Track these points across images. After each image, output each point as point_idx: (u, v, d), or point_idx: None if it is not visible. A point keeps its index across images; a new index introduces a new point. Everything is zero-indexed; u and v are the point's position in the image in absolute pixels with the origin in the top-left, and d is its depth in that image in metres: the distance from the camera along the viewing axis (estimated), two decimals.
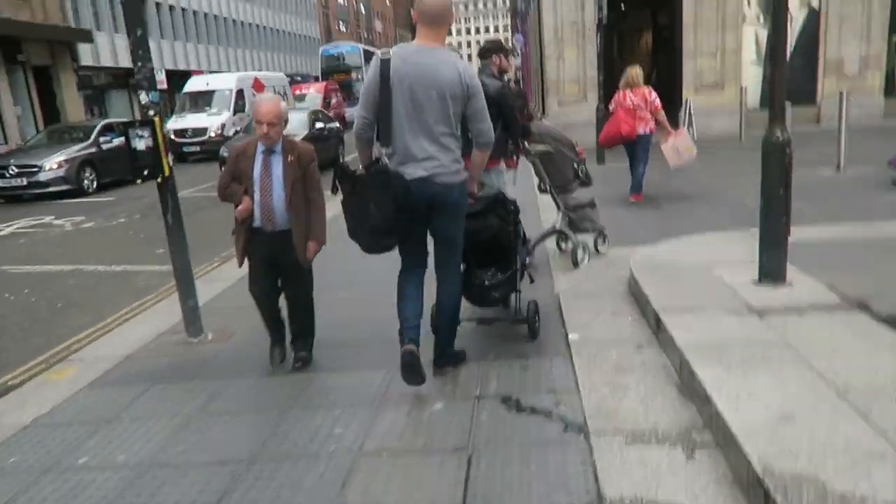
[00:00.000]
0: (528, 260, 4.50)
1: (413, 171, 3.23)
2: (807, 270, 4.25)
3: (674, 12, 15.16)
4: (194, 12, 41.90)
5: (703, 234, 5.70)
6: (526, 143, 5.18)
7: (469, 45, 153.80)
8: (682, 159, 8.15)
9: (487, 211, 3.83)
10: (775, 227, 3.86)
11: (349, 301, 5.10)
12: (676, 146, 8.10)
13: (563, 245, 5.96)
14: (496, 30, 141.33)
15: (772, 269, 3.94)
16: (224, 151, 14.03)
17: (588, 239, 5.72)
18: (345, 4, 74.57)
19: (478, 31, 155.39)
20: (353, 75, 37.57)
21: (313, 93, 31.16)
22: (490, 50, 5.19)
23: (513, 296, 4.10)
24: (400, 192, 3.18)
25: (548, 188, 5.45)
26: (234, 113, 21.40)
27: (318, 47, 45.95)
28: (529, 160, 5.34)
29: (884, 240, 4.99)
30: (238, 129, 18.81)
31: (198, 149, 20.21)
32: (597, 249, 5.81)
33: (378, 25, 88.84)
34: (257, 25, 51.32)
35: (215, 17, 44.78)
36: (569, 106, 15.06)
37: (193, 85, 23.23)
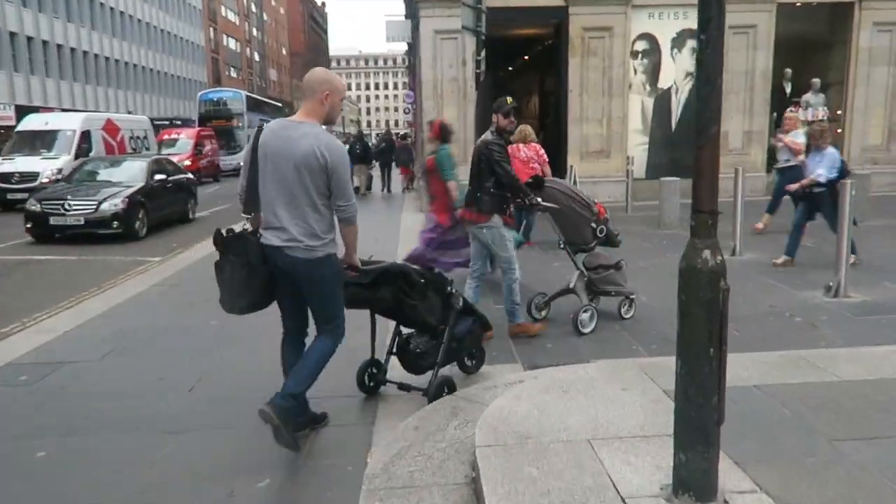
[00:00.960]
0: (468, 329, 4.16)
1: (270, 239, 3.30)
2: (744, 458, 2.75)
3: (560, 77, 14.34)
4: (58, 46, 38.39)
5: (585, 364, 4.16)
6: (538, 198, 5.11)
7: (368, 99, 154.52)
8: None
9: (379, 283, 3.73)
10: (702, 414, 2.31)
11: None
12: None
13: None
14: (395, 87, 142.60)
15: (693, 479, 2.35)
16: (32, 203, 11.63)
17: (611, 303, 5.57)
18: (237, 51, 72.10)
19: (377, 86, 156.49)
20: (235, 122, 35.22)
21: (184, 139, 28.56)
22: (491, 110, 5.16)
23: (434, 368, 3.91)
24: (254, 257, 3.29)
25: (562, 245, 5.40)
26: (76, 157, 18.61)
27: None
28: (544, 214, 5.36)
29: (850, 390, 3.60)
30: (59, 177, 16.19)
31: (26, 195, 17.24)
32: (621, 315, 5.65)
33: (273, 74, 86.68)
34: (135, 65, 48.04)
35: (84, 52, 41.33)
36: None
37: (30, 123, 20.17)
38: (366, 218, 16.07)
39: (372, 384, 4.10)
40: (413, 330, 4.03)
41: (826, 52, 15.19)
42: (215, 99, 36.74)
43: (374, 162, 21.31)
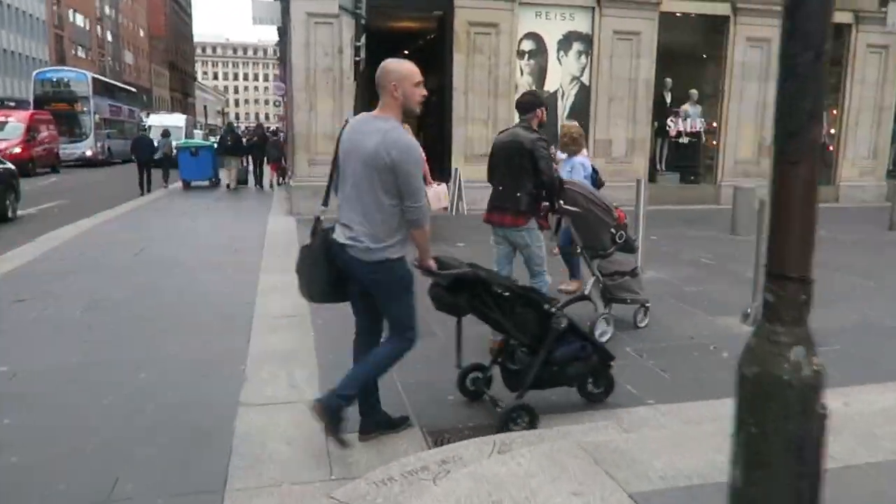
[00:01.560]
0: (574, 354, 3.72)
1: (337, 235, 3.29)
2: None
3: (444, 74, 13.40)
4: None
5: (519, 453, 3.09)
6: (561, 201, 4.90)
7: (236, 90, 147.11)
8: (442, 204, 9.01)
9: (456, 289, 3.46)
10: None
11: None
12: (437, 192, 8.75)
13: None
14: (265, 78, 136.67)
15: None
16: None
17: (627, 310, 5.40)
18: (86, 28, 65.45)
19: (245, 77, 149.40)
20: (80, 106, 31.38)
21: (14, 122, 24.88)
22: (533, 104, 4.81)
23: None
24: (318, 249, 3.33)
25: (580, 251, 5.29)
26: None
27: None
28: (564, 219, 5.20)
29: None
30: None
31: None
32: (636, 325, 5.47)
33: (129, 58, 79.66)
34: None
35: None
36: (321, 166, 12.34)
37: None
38: (228, 220, 14.28)
39: (474, 389, 3.92)
40: None
41: (704, 65, 15.37)
42: (55, 79, 32.53)
43: (246, 155, 19.86)
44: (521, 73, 13.78)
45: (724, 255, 8.82)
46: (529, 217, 4.66)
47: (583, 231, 5.20)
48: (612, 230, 5.14)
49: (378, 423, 3.45)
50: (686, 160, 15.27)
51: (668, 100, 14.73)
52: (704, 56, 15.33)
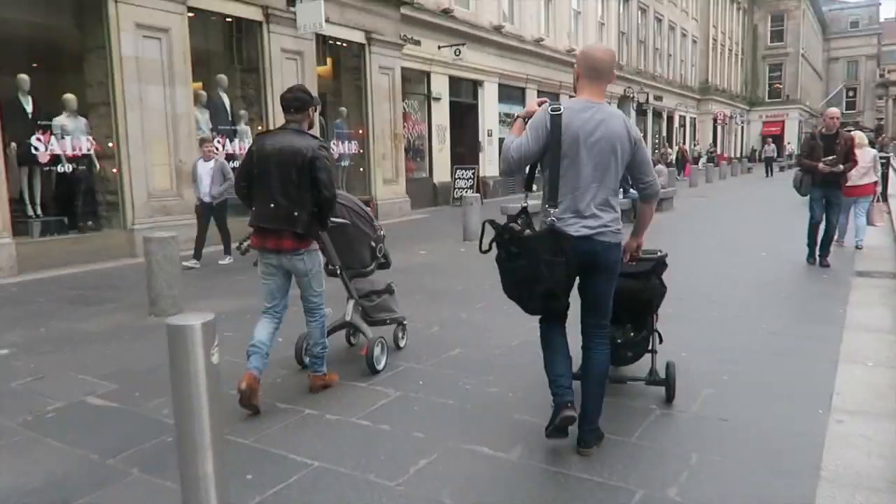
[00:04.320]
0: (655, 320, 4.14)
1: (577, 229, 3.14)
2: None
3: None
4: None
5: None
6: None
7: None
8: None
9: (651, 272, 3.89)
10: None
11: None
12: None
13: (353, 340, 5.28)
14: None
15: None
16: None
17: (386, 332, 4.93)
18: None
19: None
20: None
21: None
22: (307, 101, 4.09)
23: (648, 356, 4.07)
24: (570, 254, 3.11)
25: (337, 270, 4.60)
26: None
27: None
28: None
29: None
30: None
31: None
32: (397, 345, 5.11)
33: None
34: None
35: None
36: None
37: None
38: None
39: None
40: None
41: (80, 60, 10.73)
42: None
43: None
44: None
45: (131, 378, 4.67)
46: (310, 240, 4.01)
47: (342, 248, 4.58)
48: (373, 243, 4.73)
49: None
50: (74, 198, 10.42)
51: (30, 109, 9.61)
52: (80, 48, 10.72)
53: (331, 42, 14.76)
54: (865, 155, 9.10)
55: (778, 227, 12.34)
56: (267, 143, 3.99)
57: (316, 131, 13.95)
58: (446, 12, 18.45)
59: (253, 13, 12.28)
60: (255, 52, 12.60)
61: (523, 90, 23.27)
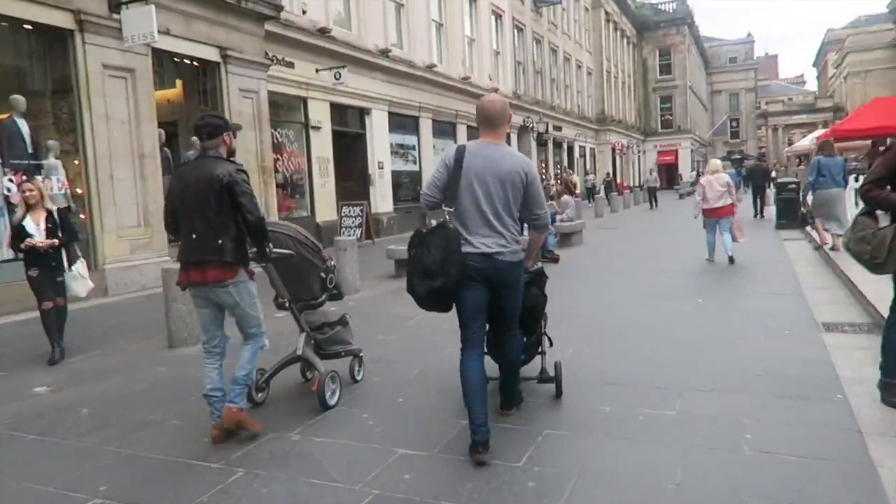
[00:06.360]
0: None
1: (477, 247, 3.53)
2: None
3: None
4: None
5: None
6: (271, 244, 4.10)
7: None
8: None
9: (531, 283, 4.22)
10: None
11: None
12: None
13: (308, 374, 5.09)
14: None
15: None
16: None
17: (340, 366, 4.86)
18: None
19: None
20: None
21: None
22: (219, 126, 3.98)
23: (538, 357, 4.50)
24: (453, 244, 3.44)
25: (287, 303, 4.56)
26: None
27: None
28: (261, 266, 4.25)
29: None
30: None
31: None
32: (353, 378, 5.01)
33: None
34: None
35: None
36: None
37: None
38: None
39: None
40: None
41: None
42: None
43: None
44: None
45: None
46: (238, 269, 3.89)
47: (291, 279, 4.50)
48: (322, 274, 4.58)
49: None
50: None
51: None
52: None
53: (176, 60, 12.35)
54: (720, 180, 10.49)
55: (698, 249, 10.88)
56: (185, 174, 4.01)
57: (158, 166, 11.53)
58: (323, 31, 16.42)
59: (61, 19, 9.66)
60: (65, 68, 9.99)
61: (416, 119, 21.49)
